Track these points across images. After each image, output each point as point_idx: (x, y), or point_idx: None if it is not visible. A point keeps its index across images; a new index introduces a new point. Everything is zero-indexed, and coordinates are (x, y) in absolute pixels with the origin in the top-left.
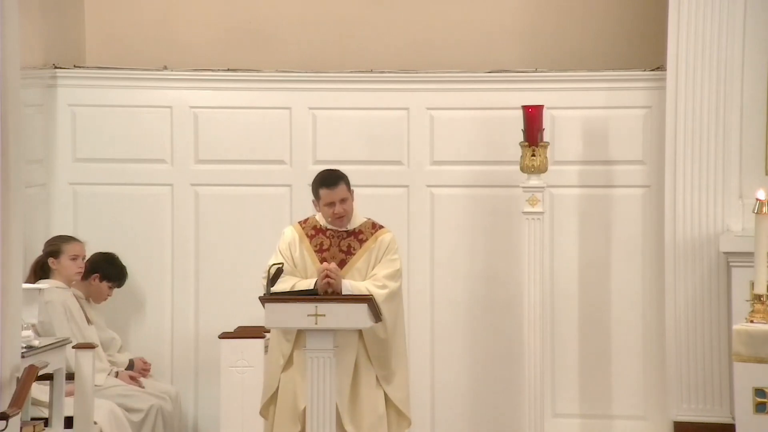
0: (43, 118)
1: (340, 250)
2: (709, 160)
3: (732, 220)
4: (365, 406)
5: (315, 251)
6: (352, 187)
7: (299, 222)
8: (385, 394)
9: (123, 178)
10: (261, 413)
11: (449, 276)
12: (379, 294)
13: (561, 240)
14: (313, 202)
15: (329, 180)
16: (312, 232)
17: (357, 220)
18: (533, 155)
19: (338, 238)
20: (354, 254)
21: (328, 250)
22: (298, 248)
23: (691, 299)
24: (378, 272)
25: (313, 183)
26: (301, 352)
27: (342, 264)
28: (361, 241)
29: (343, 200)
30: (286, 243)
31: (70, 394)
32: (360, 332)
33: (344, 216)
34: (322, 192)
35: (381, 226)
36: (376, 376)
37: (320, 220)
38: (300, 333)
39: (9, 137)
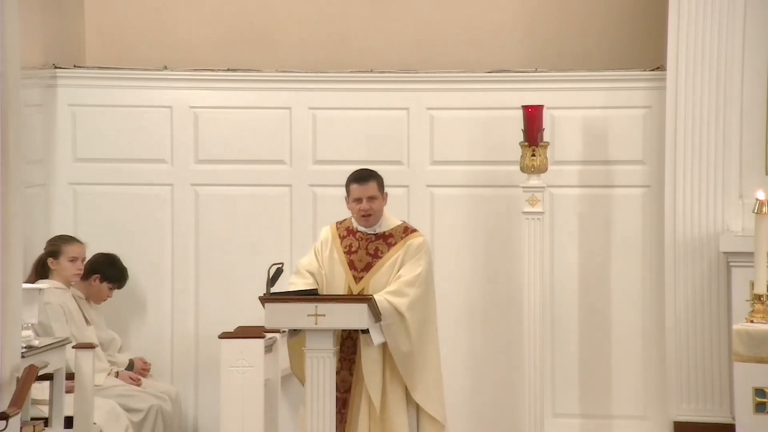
0: (43, 118)
1: (368, 253)
2: (709, 160)
3: (732, 220)
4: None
5: (344, 252)
6: (386, 191)
7: (337, 222)
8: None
9: (123, 178)
10: None
11: (449, 276)
12: (400, 303)
13: (561, 240)
14: (345, 199)
15: (361, 176)
16: (344, 233)
17: (389, 222)
18: (533, 155)
19: (367, 241)
20: (381, 258)
21: (356, 252)
22: (329, 247)
23: (691, 299)
24: (400, 275)
25: (346, 179)
26: None
27: (368, 267)
28: (390, 245)
29: (371, 198)
30: (320, 242)
31: (69, 390)
32: (384, 352)
33: (371, 215)
34: (352, 187)
35: (414, 230)
36: (404, 391)
37: (354, 221)
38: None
39: (9, 137)
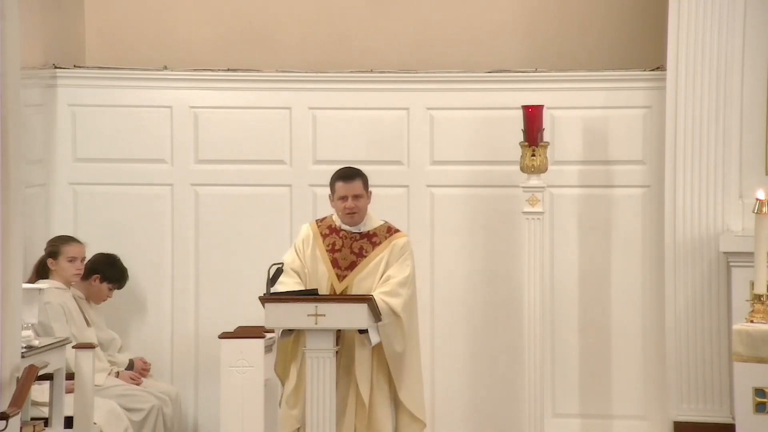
0: (43, 118)
1: (352, 252)
2: (709, 160)
3: (732, 220)
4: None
5: (327, 251)
6: (370, 189)
7: (317, 220)
8: (397, 398)
9: (123, 178)
10: None
11: (449, 276)
12: (396, 304)
13: (561, 240)
14: (329, 197)
15: (346, 174)
16: (326, 231)
17: (372, 222)
18: (533, 155)
19: (351, 240)
20: (365, 257)
21: (339, 250)
22: (311, 246)
23: (691, 299)
24: (390, 275)
25: (331, 177)
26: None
27: (353, 266)
28: (374, 244)
29: (356, 196)
30: (301, 240)
31: (69, 390)
32: (372, 350)
33: (356, 213)
34: (338, 185)
35: (397, 230)
36: (388, 390)
37: (336, 219)
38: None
39: (9, 137)
